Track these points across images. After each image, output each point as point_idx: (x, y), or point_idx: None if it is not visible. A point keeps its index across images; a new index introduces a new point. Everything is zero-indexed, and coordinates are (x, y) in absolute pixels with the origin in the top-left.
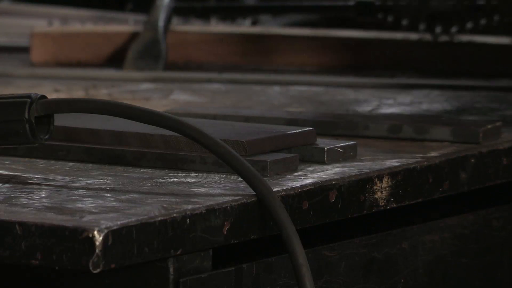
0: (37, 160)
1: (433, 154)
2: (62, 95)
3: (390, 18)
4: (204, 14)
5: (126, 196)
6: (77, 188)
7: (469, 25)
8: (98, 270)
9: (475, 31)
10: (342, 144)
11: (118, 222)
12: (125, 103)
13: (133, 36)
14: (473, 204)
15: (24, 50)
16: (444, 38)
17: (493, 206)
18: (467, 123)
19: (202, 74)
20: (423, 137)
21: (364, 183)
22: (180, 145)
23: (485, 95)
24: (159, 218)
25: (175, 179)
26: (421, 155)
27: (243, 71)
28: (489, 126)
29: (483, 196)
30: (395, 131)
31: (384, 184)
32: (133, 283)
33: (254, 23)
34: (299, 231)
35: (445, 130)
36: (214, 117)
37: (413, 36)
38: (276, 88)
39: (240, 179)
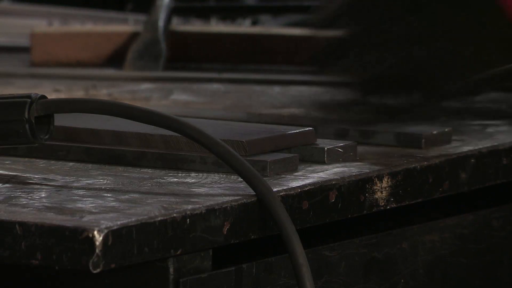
0: (37, 160)
1: (433, 154)
2: (62, 95)
3: None
4: (204, 14)
5: (126, 196)
6: (77, 188)
7: None
8: (98, 270)
9: None
10: (342, 144)
11: (118, 222)
12: (125, 103)
13: (133, 36)
14: (473, 204)
15: (24, 50)
16: None
17: (493, 206)
18: (412, 129)
19: (202, 74)
20: (368, 141)
21: (364, 183)
22: (180, 145)
23: None
24: (159, 218)
25: (175, 179)
26: (421, 155)
27: (243, 71)
28: (434, 132)
29: (483, 196)
30: (342, 135)
31: (384, 184)
32: (133, 283)
33: (254, 23)
34: (299, 231)
35: (389, 135)
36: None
37: None
38: (276, 88)
39: (240, 179)
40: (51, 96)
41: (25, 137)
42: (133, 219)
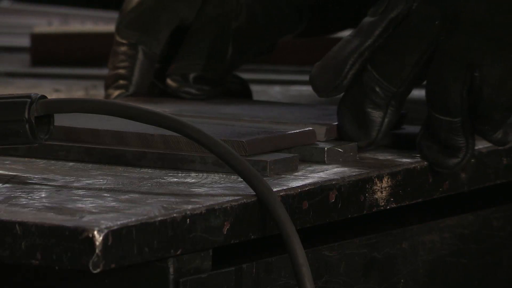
0: (37, 160)
1: None
2: (62, 95)
3: None
4: None
5: (126, 196)
6: (77, 188)
7: None
8: (98, 270)
9: None
10: (342, 144)
11: (118, 222)
12: (125, 103)
13: None
14: (473, 204)
15: (24, 50)
16: None
17: (493, 206)
18: None
19: None
20: None
21: (364, 183)
22: (180, 145)
23: None
24: (159, 218)
25: (175, 179)
26: (420, 155)
27: (243, 71)
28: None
29: (483, 196)
30: None
31: (384, 184)
32: (133, 283)
33: None
34: (299, 231)
35: None
36: None
37: None
38: (276, 88)
39: (240, 179)
40: (51, 96)
41: (25, 137)
42: (133, 219)
